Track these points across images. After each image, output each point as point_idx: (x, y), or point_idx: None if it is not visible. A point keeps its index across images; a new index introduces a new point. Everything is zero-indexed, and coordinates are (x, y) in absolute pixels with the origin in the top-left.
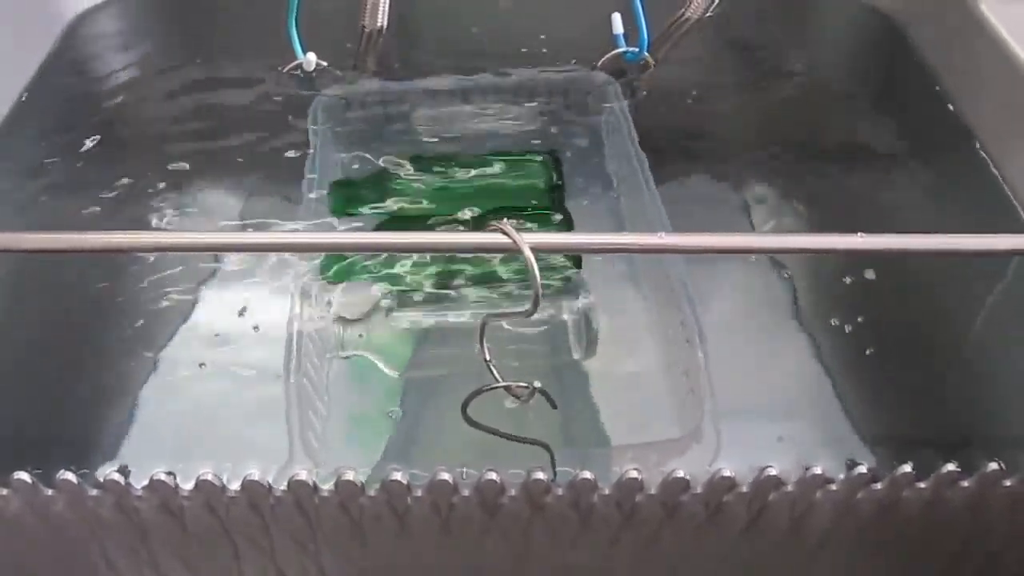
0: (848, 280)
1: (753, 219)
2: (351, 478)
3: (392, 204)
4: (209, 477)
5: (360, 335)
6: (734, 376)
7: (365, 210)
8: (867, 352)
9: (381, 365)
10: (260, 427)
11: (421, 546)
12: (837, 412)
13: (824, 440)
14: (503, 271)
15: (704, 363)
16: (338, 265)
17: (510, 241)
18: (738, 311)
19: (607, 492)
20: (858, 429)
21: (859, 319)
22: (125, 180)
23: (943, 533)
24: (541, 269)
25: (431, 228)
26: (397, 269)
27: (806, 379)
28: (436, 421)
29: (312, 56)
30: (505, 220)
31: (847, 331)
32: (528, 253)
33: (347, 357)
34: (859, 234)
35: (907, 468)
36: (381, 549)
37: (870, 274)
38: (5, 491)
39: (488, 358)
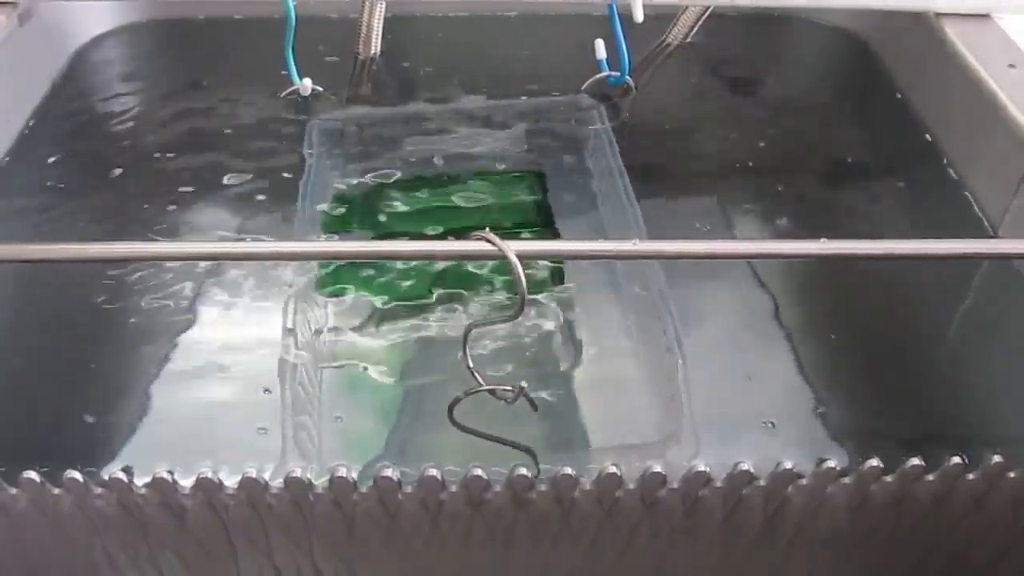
0: (822, 288)
1: (733, 235)
2: (344, 475)
3: (384, 224)
4: (208, 475)
5: (352, 344)
6: (712, 382)
7: (357, 229)
8: (841, 356)
9: (374, 373)
10: (257, 431)
11: (411, 541)
12: (812, 414)
13: (800, 440)
14: (491, 280)
15: (683, 370)
16: (333, 277)
17: (495, 249)
18: (717, 320)
19: (588, 488)
20: (833, 430)
21: (832, 325)
22: (127, 201)
23: (911, 526)
24: (527, 284)
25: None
26: (389, 280)
27: (782, 383)
28: (428, 426)
29: (308, 81)
30: (487, 229)
31: (821, 337)
32: (513, 258)
33: (341, 366)
34: (822, 239)
35: (874, 463)
36: (373, 544)
37: (844, 281)
38: (14, 490)
39: (471, 364)
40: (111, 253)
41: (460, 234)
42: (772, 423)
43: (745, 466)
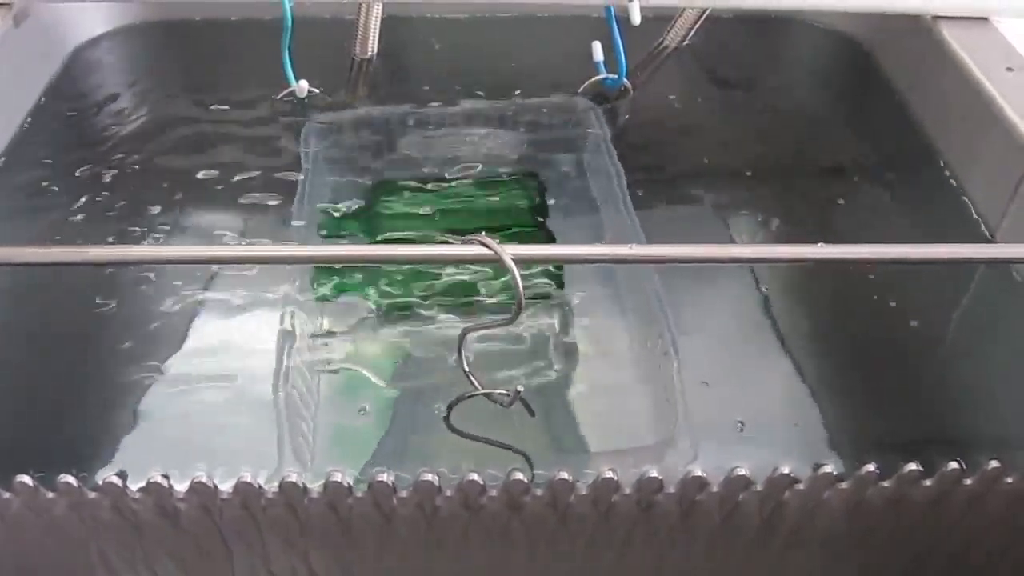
0: (819, 292)
1: (731, 238)
2: (339, 479)
3: (380, 225)
4: (203, 479)
5: (348, 348)
6: (709, 386)
7: (353, 231)
8: (837, 361)
9: (369, 376)
10: (252, 435)
11: (407, 545)
12: (809, 418)
13: (797, 445)
14: (486, 285)
15: (679, 374)
16: (327, 281)
17: (491, 253)
18: (713, 325)
19: (584, 492)
20: (830, 435)
21: (829, 330)
22: (124, 202)
23: (908, 531)
24: (525, 287)
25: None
26: (383, 284)
27: (778, 388)
28: (424, 430)
29: (304, 83)
30: (483, 233)
31: (818, 342)
32: (509, 262)
33: (336, 370)
34: (819, 244)
35: (870, 468)
36: (368, 549)
37: (841, 285)
38: (7, 494)
39: (467, 368)
40: (108, 257)
41: (457, 237)
42: (768, 427)
43: (741, 470)
